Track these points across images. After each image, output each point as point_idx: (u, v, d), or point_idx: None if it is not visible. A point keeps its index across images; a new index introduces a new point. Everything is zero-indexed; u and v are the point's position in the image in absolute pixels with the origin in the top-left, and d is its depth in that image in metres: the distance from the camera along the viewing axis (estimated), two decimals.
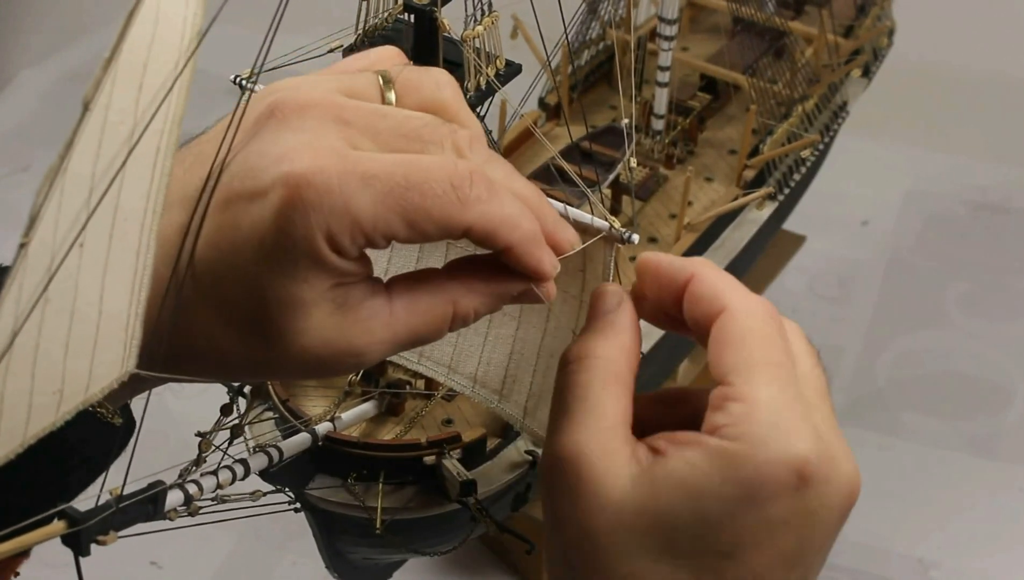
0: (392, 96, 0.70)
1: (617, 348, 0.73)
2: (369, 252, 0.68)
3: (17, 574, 0.78)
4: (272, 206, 0.63)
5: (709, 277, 0.72)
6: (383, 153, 0.66)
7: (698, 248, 1.41)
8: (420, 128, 0.67)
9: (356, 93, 0.69)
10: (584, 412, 0.70)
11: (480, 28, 0.95)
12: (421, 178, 0.65)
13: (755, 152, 1.51)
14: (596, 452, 0.68)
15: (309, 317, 0.65)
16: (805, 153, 1.56)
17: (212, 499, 0.83)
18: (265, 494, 0.94)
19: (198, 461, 0.85)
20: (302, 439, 0.98)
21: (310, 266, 0.64)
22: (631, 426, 0.71)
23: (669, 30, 1.46)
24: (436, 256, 0.81)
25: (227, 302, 0.65)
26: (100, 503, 0.65)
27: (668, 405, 0.75)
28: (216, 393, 1.02)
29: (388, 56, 0.74)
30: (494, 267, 0.71)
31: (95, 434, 0.78)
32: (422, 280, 0.71)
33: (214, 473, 0.82)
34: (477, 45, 0.96)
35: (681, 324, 0.75)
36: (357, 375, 1.11)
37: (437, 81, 0.72)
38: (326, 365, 0.68)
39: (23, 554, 0.75)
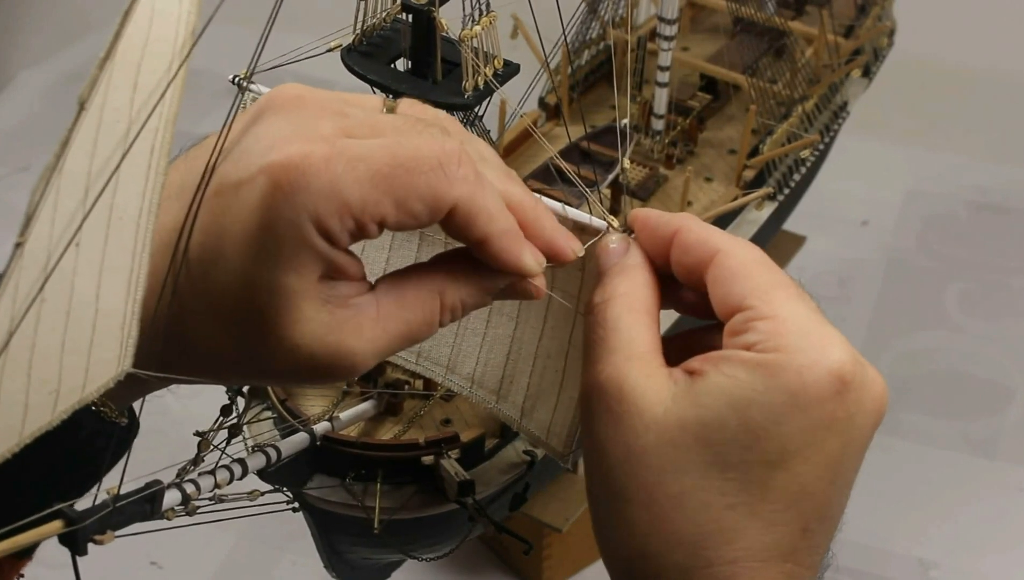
0: None
1: (638, 284, 0.74)
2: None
3: (22, 576, 0.77)
4: (259, 191, 0.63)
5: (695, 227, 0.74)
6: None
7: None
8: (414, 125, 0.68)
9: (358, 102, 0.70)
10: (617, 341, 0.72)
11: (478, 28, 0.95)
12: (409, 156, 0.65)
13: (755, 152, 1.51)
14: (635, 374, 0.70)
15: (298, 310, 0.65)
16: (805, 153, 1.56)
17: (210, 499, 0.83)
18: (263, 494, 0.94)
19: (196, 461, 0.85)
20: (300, 439, 0.98)
21: (297, 252, 0.64)
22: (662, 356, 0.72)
23: (669, 30, 1.46)
24: (432, 255, 0.81)
25: (218, 293, 0.65)
26: (97, 502, 0.65)
27: (680, 350, 0.75)
28: (215, 393, 1.02)
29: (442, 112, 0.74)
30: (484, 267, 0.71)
31: (102, 431, 0.78)
32: (407, 274, 0.71)
33: (212, 473, 0.82)
34: (475, 45, 0.96)
35: (670, 293, 0.76)
36: None
37: (437, 113, 0.73)
38: (319, 365, 0.67)
39: (27, 555, 0.75)
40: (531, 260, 0.70)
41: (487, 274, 0.71)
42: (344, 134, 0.65)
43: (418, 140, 0.66)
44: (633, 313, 0.73)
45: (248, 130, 0.66)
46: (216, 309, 0.65)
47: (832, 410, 0.68)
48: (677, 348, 0.75)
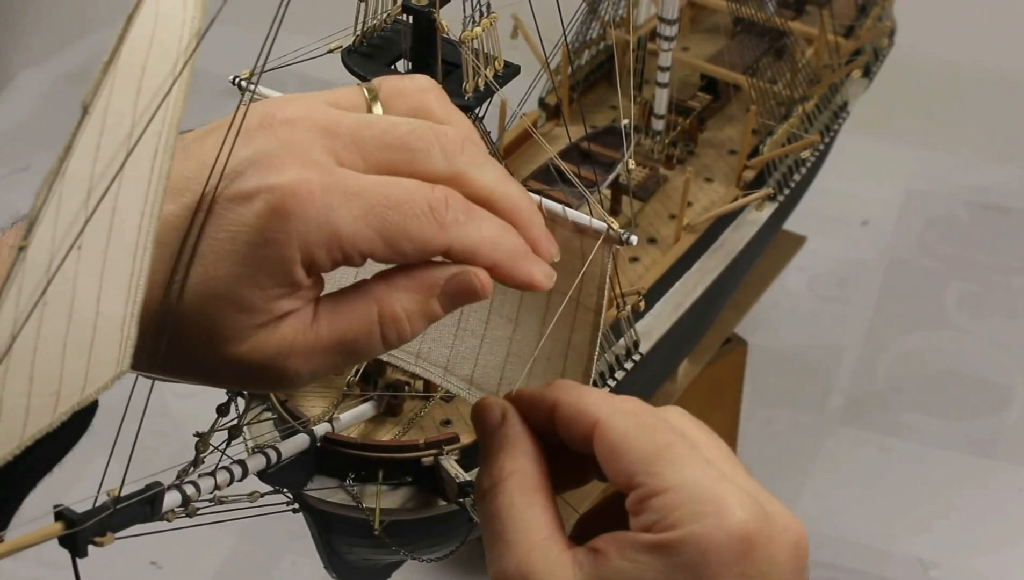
0: (378, 108, 0.71)
1: (522, 458, 0.73)
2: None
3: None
4: (255, 210, 0.64)
5: (571, 398, 0.72)
6: (369, 167, 0.67)
7: (697, 249, 1.41)
8: (406, 135, 0.68)
9: (341, 104, 0.70)
10: (516, 531, 0.70)
11: (478, 29, 0.95)
12: (402, 198, 0.65)
13: (755, 153, 1.51)
14: (539, 566, 0.68)
15: (246, 325, 0.66)
16: (805, 154, 1.56)
17: (210, 500, 0.83)
18: (263, 495, 0.94)
19: (196, 462, 0.85)
20: (300, 440, 0.98)
21: (272, 274, 0.65)
22: (565, 530, 0.71)
23: (669, 30, 1.46)
24: None
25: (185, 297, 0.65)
26: (97, 504, 0.65)
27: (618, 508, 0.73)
28: (215, 394, 1.02)
29: (427, 81, 0.74)
30: (422, 264, 0.70)
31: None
32: (347, 288, 0.70)
33: (212, 474, 0.82)
34: (475, 46, 0.96)
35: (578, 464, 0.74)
36: (355, 375, 1.11)
37: (420, 86, 0.72)
38: (251, 377, 0.68)
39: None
40: (541, 275, 0.70)
41: (420, 274, 0.70)
42: (335, 158, 0.66)
43: (409, 183, 0.66)
44: (525, 495, 0.71)
45: (241, 150, 0.66)
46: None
47: (741, 573, 0.65)
48: (607, 511, 0.73)
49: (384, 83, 0.72)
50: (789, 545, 0.67)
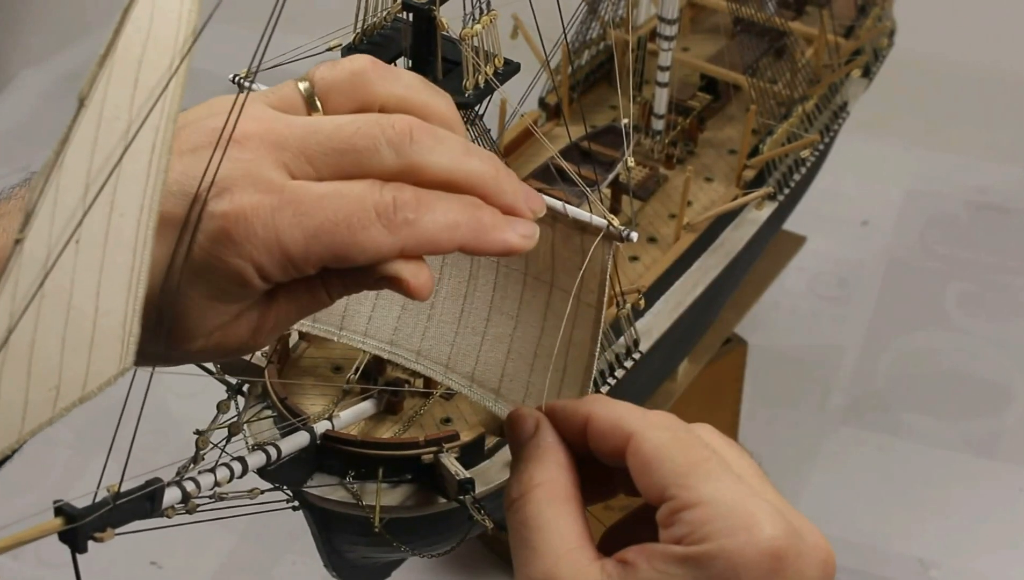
0: (318, 103, 0.71)
1: (554, 468, 0.73)
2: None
3: None
4: (208, 234, 0.65)
5: (604, 412, 0.72)
6: (321, 175, 0.67)
7: (697, 248, 1.41)
8: (351, 136, 0.68)
9: (283, 105, 0.70)
10: (544, 540, 0.70)
11: (478, 26, 0.95)
12: (350, 211, 0.66)
13: (755, 152, 1.51)
14: (567, 575, 0.68)
15: (214, 323, 0.68)
16: (805, 153, 1.56)
17: (210, 497, 0.83)
18: (263, 492, 0.94)
19: (196, 459, 0.85)
20: (300, 437, 0.98)
21: (230, 288, 0.67)
22: (594, 541, 0.71)
23: (669, 30, 1.46)
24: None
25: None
26: (97, 500, 0.65)
27: (645, 520, 0.73)
28: (216, 393, 1.02)
29: (360, 63, 0.73)
30: None
31: None
32: None
33: (212, 471, 0.82)
34: (475, 44, 0.96)
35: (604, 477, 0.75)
36: (356, 373, 1.11)
37: (353, 71, 0.72)
38: (223, 355, 0.72)
39: None
40: (517, 238, 0.70)
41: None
42: (286, 171, 0.67)
43: (358, 192, 0.67)
44: (554, 505, 0.71)
45: (193, 169, 0.66)
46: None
47: None
48: (629, 524, 0.74)
49: (316, 76, 0.71)
50: (818, 562, 0.67)
